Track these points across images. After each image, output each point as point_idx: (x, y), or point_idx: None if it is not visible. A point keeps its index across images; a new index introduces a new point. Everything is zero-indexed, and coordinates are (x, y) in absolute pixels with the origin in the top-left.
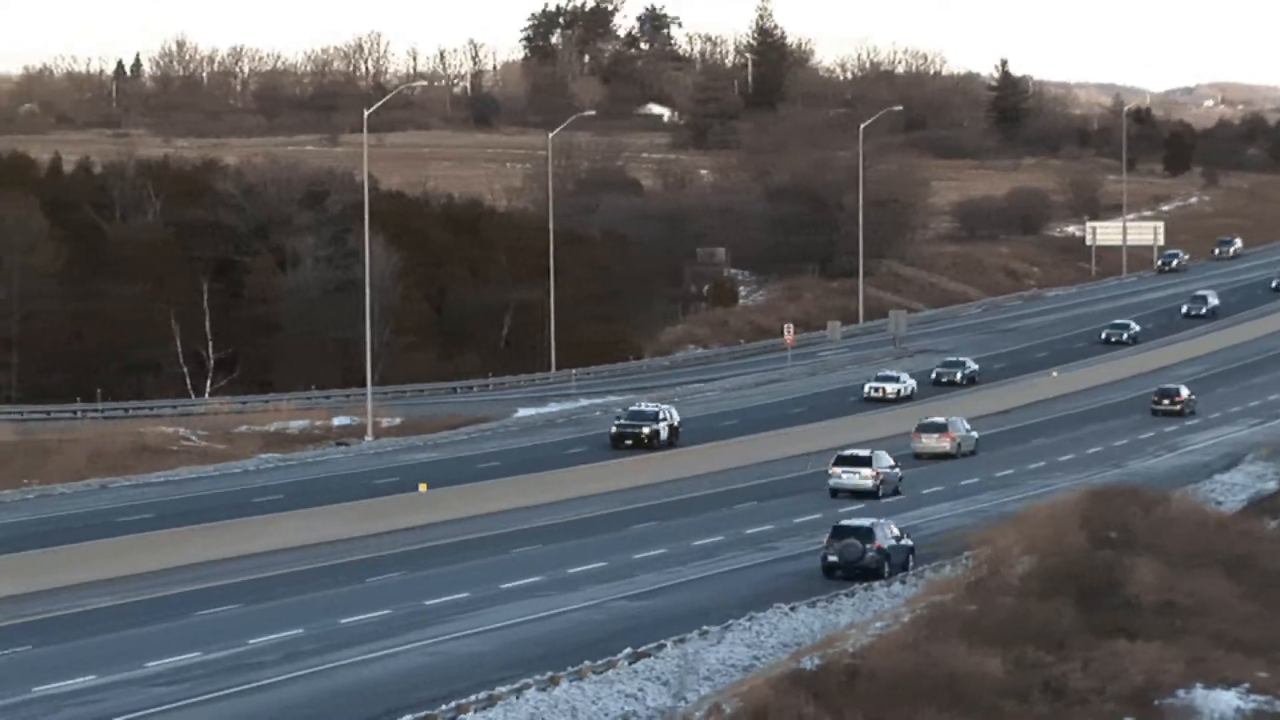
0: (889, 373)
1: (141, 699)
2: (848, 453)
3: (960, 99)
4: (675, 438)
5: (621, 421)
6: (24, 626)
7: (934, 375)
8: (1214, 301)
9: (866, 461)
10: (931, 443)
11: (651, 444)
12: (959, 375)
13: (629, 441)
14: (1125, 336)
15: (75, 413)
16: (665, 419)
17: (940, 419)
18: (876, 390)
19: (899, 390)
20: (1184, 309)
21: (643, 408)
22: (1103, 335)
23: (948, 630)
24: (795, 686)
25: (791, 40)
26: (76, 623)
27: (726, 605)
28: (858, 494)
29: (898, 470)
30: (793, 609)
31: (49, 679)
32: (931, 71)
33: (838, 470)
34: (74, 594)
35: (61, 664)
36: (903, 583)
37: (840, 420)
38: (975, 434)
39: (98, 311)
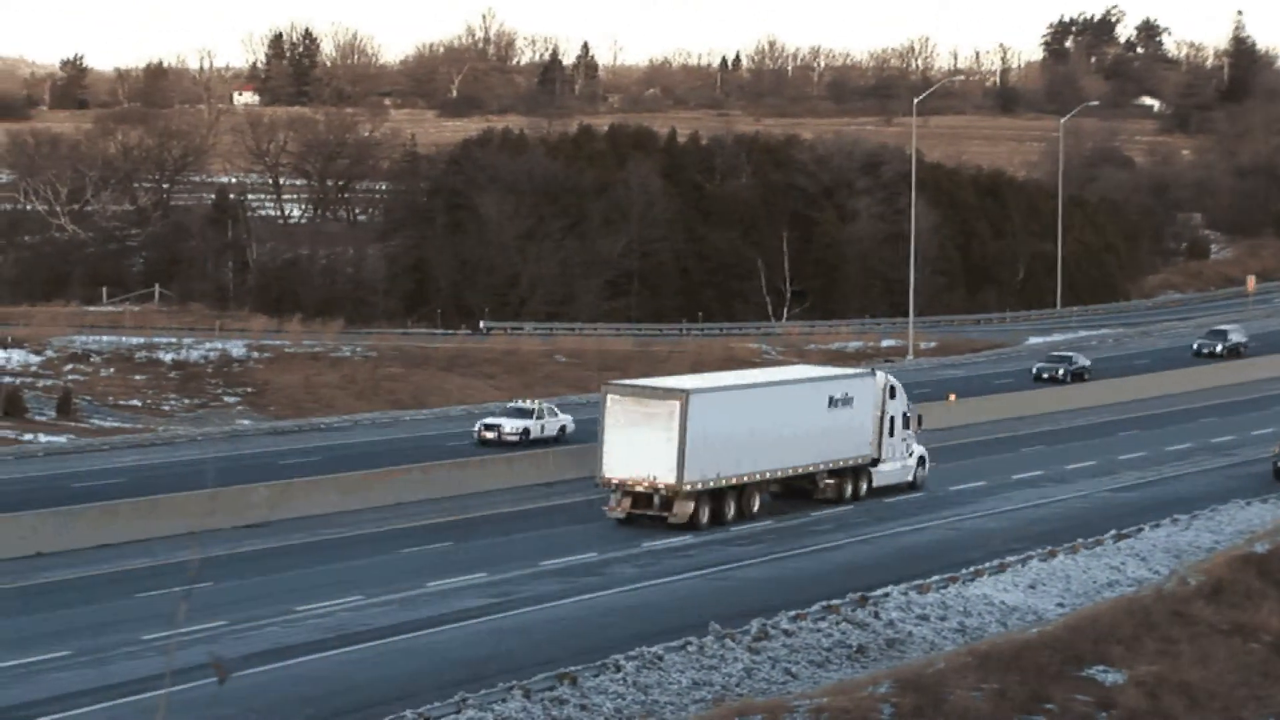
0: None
1: (724, 555)
2: None
3: None
4: None
5: None
6: None
7: (1039, 370)
8: None
9: None
10: None
11: None
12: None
13: None
14: None
15: (681, 330)
16: None
17: None
18: None
19: None
20: None
21: None
22: None
23: None
24: (1247, 565)
25: (1261, 47)
26: None
27: (1193, 499)
28: None
29: None
30: (1247, 503)
31: (655, 537)
32: None
33: None
34: None
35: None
36: None
37: None
38: None
39: (700, 252)
